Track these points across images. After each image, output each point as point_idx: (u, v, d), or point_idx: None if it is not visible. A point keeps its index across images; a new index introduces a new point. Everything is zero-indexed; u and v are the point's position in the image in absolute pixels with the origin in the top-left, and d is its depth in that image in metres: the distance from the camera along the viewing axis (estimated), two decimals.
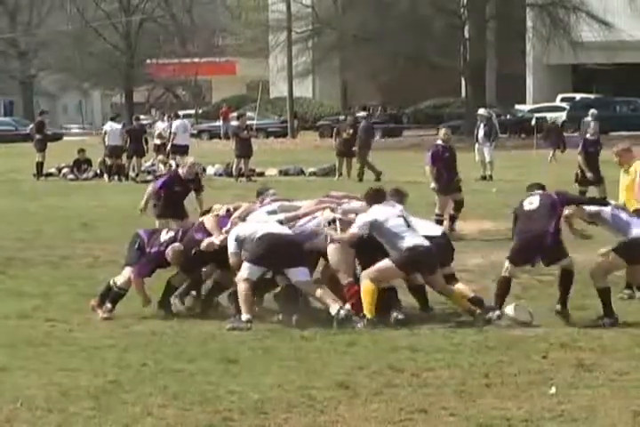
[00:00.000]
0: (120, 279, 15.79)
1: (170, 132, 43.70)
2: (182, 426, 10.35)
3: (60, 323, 15.16)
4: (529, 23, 73.12)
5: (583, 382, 11.78)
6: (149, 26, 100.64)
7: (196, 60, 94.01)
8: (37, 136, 44.76)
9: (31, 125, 48.50)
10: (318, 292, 15.02)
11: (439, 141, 25.63)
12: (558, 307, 14.86)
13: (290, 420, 10.52)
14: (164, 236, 15.99)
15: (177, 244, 15.66)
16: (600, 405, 10.90)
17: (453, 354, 13.11)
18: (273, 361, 12.86)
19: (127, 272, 15.80)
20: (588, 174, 28.10)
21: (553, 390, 11.43)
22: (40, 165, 42.87)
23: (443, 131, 26.64)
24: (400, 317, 14.75)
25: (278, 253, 14.94)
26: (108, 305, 15.59)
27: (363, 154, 40.13)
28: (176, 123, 44.63)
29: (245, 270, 14.96)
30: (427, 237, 15.30)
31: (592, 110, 48.97)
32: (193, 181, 20.79)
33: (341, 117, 49.22)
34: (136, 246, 15.97)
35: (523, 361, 12.76)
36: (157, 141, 45.24)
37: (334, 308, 14.65)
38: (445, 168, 24.39)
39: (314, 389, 11.56)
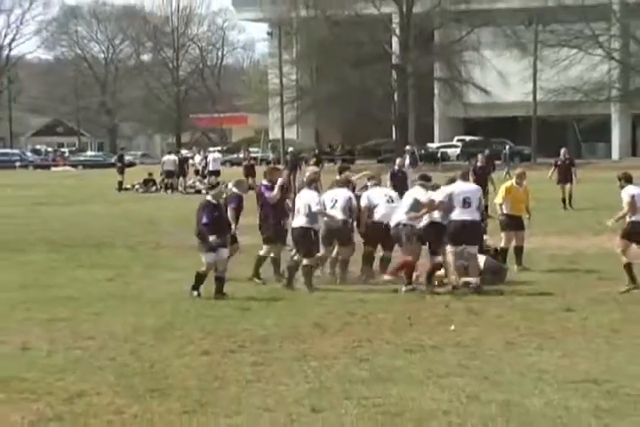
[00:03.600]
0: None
1: (205, 162, 43.85)
2: (214, 351, 10.31)
3: (134, 285, 15.12)
4: (436, 91, 73.22)
5: (472, 323, 11.79)
6: (192, 93, 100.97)
7: (222, 115, 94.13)
8: (118, 164, 44.93)
9: (114, 157, 48.40)
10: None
11: (396, 167, 26.18)
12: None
13: (283, 347, 10.51)
14: None
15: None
16: (483, 337, 10.92)
17: (388, 304, 13.11)
18: (272, 309, 12.84)
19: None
20: None
21: (452, 327, 11.45)
22: (120, 183, 42.90)
23: (398, 160, 27.46)
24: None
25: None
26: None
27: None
28: (210, 156, 44.73)
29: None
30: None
31: (487, 150, 49.06)
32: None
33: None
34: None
35: (433, 308, 12.76)
36: (196, 168, 45.37)
37: None
38: (399, 184, 24.57)
39: (299, 327, 11.55)
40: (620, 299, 13.36)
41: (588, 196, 29.68)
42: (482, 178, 28.64)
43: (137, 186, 43.26)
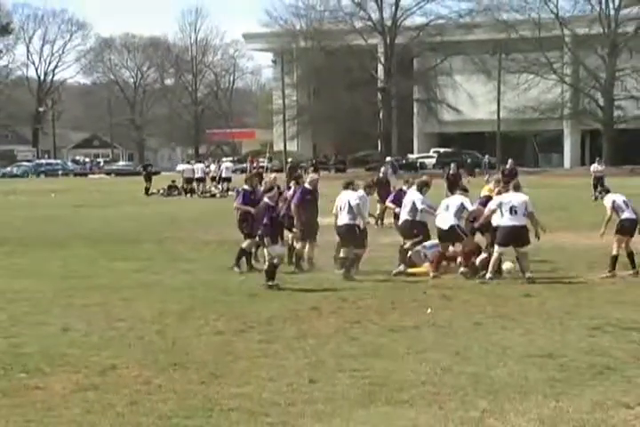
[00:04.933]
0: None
1: (220, 170, 43.85)
2: (226, 330, 10.30)
3: (158, 275, 15.05)
4: (415, 110, 73.58)
5: (446, 306, 11.77)
6: (208, 111, 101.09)
7: (233, 130, 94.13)
8: (144, 172, 44.81)
9: (140, 166, 48.32)
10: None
11: (380, 174, 25.93)
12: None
13: (285, 327, 10.49)
14: None
15: None
16: (454, 318, 10.90)
17: (374, 291, 13.08)
18: (276, 295, 12.80)
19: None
20: (450, 193, 28.09)
21: (429, 310, 11.43)
22: (147, 189, 42.67)
23: (382, 169, 27.21)
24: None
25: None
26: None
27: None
28: (223, 165, 44.78)
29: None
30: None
31: (469, 160, 49.10)
32: (315, 190, 15.91)
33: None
34: None
35: (413, 295, 12.73)
36: (212, 175, 45.26)
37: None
38: (383, 190, 24.02)
39: (299, 310, 11.52)
40: (571, 286, 13.39)
41: (543, 198, 29.60)
42: (454, 183, 28.70)
43: (161, 191, 43.18)
